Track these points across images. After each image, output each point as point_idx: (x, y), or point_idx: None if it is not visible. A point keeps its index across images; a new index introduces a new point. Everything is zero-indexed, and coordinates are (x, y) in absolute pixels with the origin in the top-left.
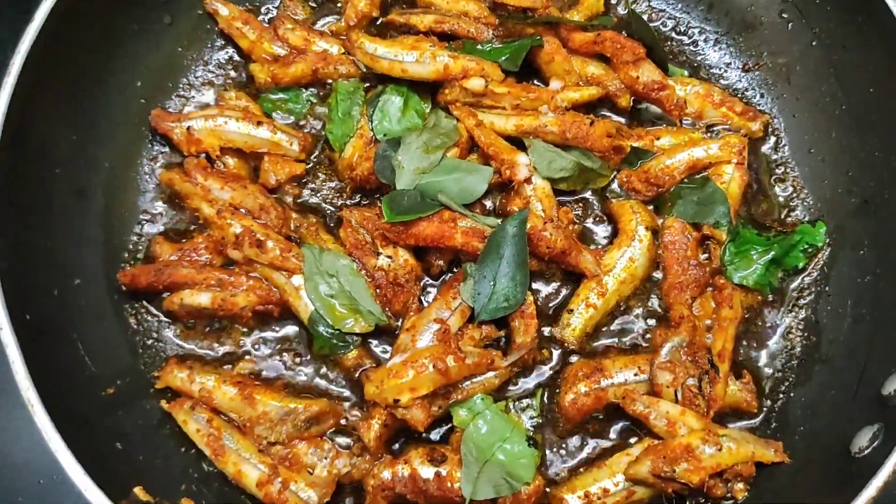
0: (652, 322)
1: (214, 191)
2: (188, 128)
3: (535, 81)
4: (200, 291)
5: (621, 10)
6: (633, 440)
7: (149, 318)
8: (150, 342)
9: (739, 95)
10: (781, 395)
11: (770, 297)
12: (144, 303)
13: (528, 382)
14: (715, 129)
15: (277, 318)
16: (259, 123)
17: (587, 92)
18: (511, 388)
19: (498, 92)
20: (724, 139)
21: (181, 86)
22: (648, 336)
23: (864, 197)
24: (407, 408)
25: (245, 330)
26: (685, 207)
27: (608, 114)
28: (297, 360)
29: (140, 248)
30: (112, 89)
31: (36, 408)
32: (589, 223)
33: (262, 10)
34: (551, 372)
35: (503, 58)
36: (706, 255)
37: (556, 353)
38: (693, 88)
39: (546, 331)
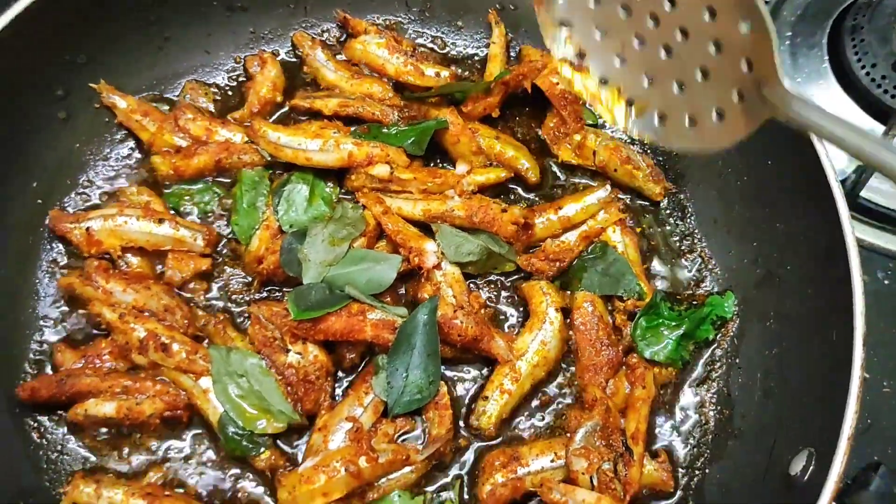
0: (569, 400)
1: (116, 293)
2: (87, 228)
3: (444, 164)
4: (105, 401)
5: None
6: None
7: (53, 431)
8: (54, 456)
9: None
10: (697, 472)
11: (683, 371)
12: (48, 415)
13: (447, 474)
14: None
15: (187, 422)
16: (160, 221)
17: (494, 174)
18: (429, 481)
19: (403, 178)
20: (609, 206)
21: (81, 182)
22: (565, 417)
23: (768, 268)
24: None
25: (155, 436)
26: (592, 280)
27: (515, 186)
28: (210, 464)
29: (41, 356)
30: (6, 193)
31: None
32: (501, 304)
33: (167, 96)
34: (469, 462)
35: (409, 141)
36: (618, 332)
37: (473, 442)
38: (602, 141)
39: (463, 419)
